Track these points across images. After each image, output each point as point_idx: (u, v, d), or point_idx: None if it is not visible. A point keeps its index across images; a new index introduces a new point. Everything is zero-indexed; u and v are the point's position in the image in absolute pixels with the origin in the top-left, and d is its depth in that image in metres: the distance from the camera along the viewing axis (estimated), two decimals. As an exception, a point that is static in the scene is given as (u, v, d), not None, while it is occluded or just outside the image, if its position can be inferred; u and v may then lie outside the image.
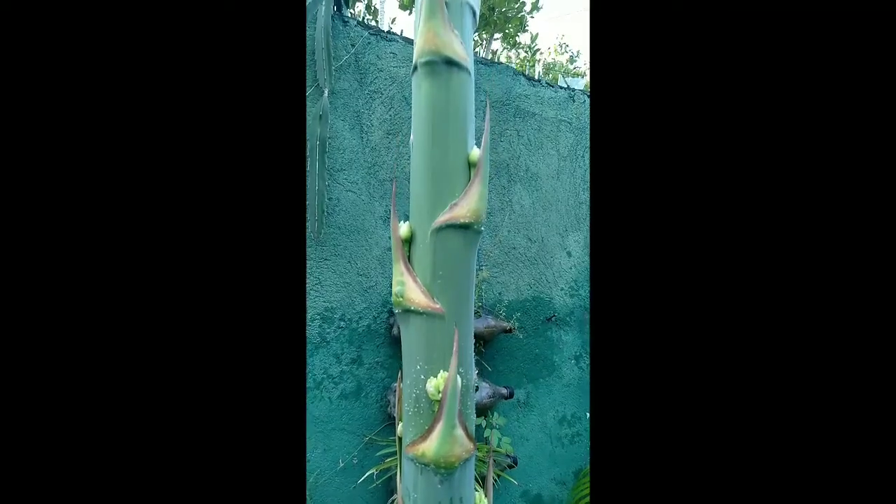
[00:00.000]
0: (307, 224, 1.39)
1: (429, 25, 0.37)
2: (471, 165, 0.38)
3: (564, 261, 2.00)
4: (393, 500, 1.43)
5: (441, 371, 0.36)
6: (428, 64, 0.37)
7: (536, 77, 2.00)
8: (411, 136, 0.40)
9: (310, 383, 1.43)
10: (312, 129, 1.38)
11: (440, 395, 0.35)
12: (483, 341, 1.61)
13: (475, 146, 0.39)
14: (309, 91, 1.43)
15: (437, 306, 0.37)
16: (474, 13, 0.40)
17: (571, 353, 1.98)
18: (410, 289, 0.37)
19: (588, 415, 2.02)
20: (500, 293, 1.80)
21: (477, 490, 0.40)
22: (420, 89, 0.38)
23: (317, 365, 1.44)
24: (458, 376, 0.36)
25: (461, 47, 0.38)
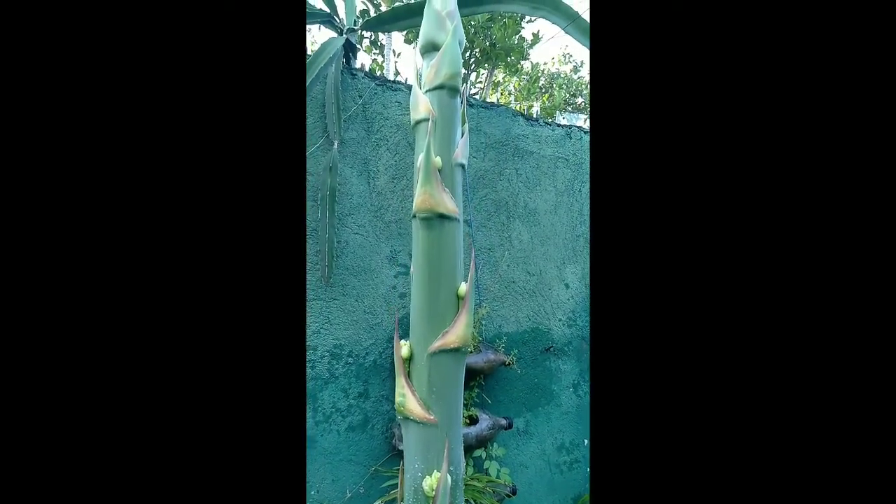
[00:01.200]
0: (319, 268, 1.49)
1: (425, 188, 0.46)
2: (459, 298, 0.47)
3: (562, 292, 2.08)
4: None
5: (434, 471, 0.45)
6: (424, 219, 0.47)
7: (535, 116, 2.10)
8: (411, 268, 0.49)
9: (319, 417, 1.52)
10: (323, 179, 1.48)
11: (434, 492, 0.44)
12: (483, 375, 1.69)
13: (463, 282, 0.49)
14: (319, 143, 1.53)
15: (432, 417, 0.46)
16: (464, 168, 0.50)
17: (569, 381, 2.06)
18: (410, 401, 0.46)
19: (586, 441, 2.09)
20: (499, 326, 1.88)
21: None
22: (418, 235, 0.48)
23: (326, 399, 1.53)
24: (448, 475, 0.45)
25: (451, 202, 0.47)
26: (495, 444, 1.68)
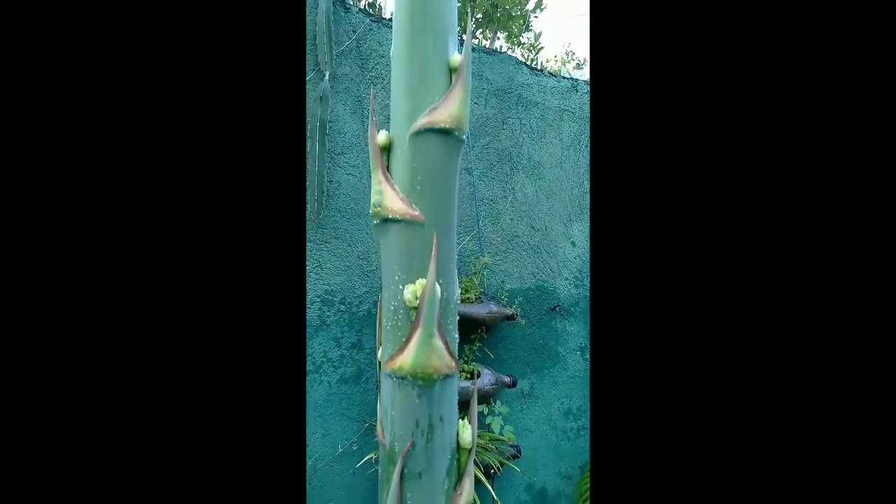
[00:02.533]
0: (308, 206, 1.39)
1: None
2: (452, 71, 0.37)
3: (569, 251, 1.97)
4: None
5: (419, 279, 0.35)
6: None
7: (539, 67, 1.99)
8: (392, 49, 0.39)
9: (309, 367, 1.42)
10: (313, 110, 1.38)
11: (418, 301, 0.34)
12: (485, 327, 1.59)
13: (457, 52, 0.38)
14: (310, 75, 1.44)
15: (416, 213, 0.35)
16: None
17: (576, 344, 1.95)
18: (388, 197, 0.36)
19: (594, 408, 1.98)
20: (502, 281, 1.78)
21: (461, 418, 0.38)
22: None
23: (316, 348, 1.43)
24: (437, 285, 0.34)
25: None
26: (498, 402, 1.58)
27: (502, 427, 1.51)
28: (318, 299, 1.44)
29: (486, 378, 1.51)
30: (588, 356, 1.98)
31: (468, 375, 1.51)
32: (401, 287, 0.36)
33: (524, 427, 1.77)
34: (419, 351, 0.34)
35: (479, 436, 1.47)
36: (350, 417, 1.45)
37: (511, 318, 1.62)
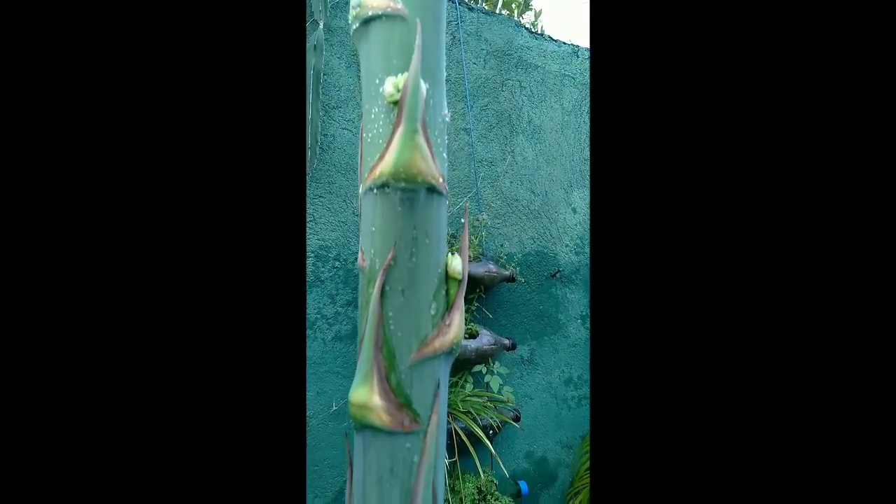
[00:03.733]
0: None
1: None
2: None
3: (569, 217, 1.93)
4: None
5: (402, 74, 0.31)
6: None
7: (539, 31, 1.96)
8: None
9: (303, 322, 1.38)
10: (307, 58, 1.35)
11: (399, 93, 0.30)
12: (483, 287, 1.55)
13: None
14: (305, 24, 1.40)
15: (398, 6, 0.32)
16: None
17: (577, 312, 1.91)
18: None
19: (595, 378, 1.94)
20: (501, 245, 1.74)
21: (451, 253, 0.34)
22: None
23: (311, 304, 1.39)
24: (421, 80, 0.31)
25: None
26: (497, 363, 1.54)
27: (501, 386, 1.48)
28: (312, 254, 1.41)
29: (485, 338, 1.47)
30: (589, 325, 1.95)
31: (466, 336, 1.47)
32: (381, 90, 0.32)
33: (524, 394, 1.73)
34: (401, 149, 0.30)
35: (476, 395, 1.44)
36: (345, 376, 1.42)
37: (510, 279, 1.58)
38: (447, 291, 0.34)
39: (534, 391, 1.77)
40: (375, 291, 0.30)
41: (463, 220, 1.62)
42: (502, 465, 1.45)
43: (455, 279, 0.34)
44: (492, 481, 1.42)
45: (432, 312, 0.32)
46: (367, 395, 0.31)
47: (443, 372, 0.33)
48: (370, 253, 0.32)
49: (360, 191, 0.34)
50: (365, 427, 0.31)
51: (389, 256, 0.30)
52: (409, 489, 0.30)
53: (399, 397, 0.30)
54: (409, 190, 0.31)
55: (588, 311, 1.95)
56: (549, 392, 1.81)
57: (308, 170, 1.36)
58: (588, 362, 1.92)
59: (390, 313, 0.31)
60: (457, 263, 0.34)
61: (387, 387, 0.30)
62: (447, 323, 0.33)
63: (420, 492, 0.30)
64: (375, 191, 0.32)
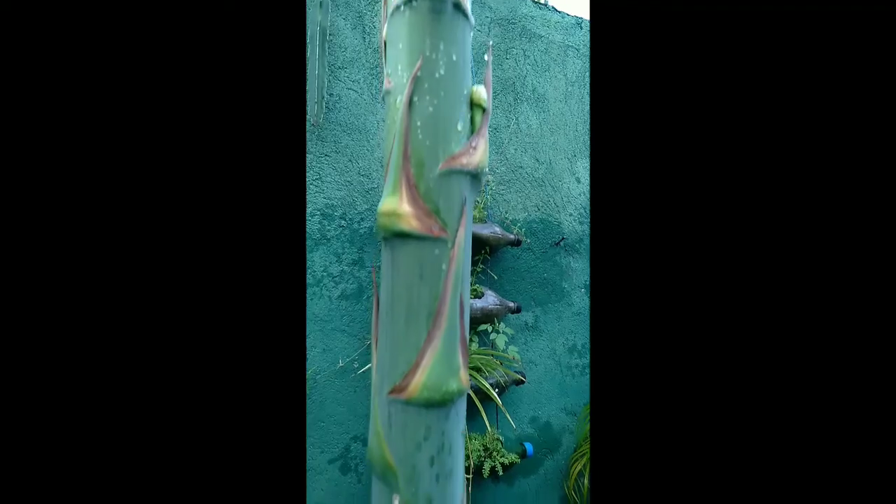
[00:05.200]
0: (307, 110, 1.35)
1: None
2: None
3: (574, 187, 1.93)
4: None
5: None
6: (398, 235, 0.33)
7: (543, 1, 1.96)
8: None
9: (309, 280, 1.39)
10: (312, 16, 1.35)
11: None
12: (489, 248, 1.55)
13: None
14: (310, -17, 1.40)
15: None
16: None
17: (581, 281, 1.91)
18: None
19: (599, 347, 1.94)
20: (505, 211, 1.74)
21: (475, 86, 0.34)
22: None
23: (317, 262, 1.40)
24: None
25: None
26: (503, 324, 1.54)
27: (507, 344, 1.48)
28: (318, 212, 1.41)
29: (491, 299, 1.48)
30: (593, 294, 1.95)
31: (472, 295, 1.47)
32: None
33: (528, 360, 1.74)
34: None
35: (484, 353, 1.44)
36: (351, 334, 1.42)
37: (516, 243, 1.59)
38: (472, 118, 0.34)
39: (538, 357, 1.77)
40: (404, 101, 0.31)
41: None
42: (510, 418, 1.45)
43: (480, 106, 0.34)
44: (497, 439, 1.43)
45: (459, 129, 0.32)
46: (396, 203, 0.31)
47: (468, 192, 0.33)
48: (397, 70, 0.32)
49: (387, 14, 0.34)
50: (394, 236, 0.31)
51: (417, 66, 0.31)
52: (437, 294, 0.31)
53: (428, 204, 0.31)
54: (436, 1, 0.31)
55: (592, 280, 1.95)
56: (554, 359, 1.81)
57: (314, 122, 1.36)
58: (592, 331, 1.93)
59: (418, 123, 0.31)
60: (482, 91, 0.34)
61: (415, 194, 0.31)
62: (473, 145, 0.33)
63: (448, 300, 0.31)
64: (402, 7, 0.32)
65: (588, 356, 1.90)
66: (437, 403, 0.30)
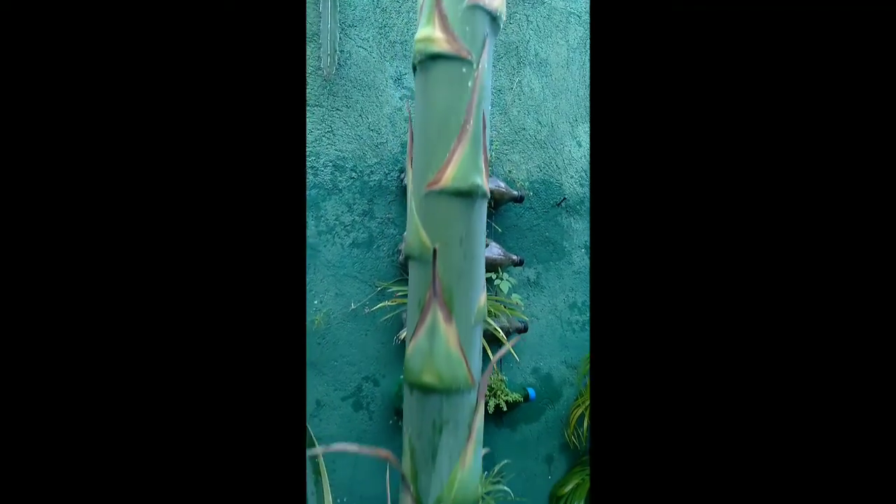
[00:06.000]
0: (321, 69, 1.41)
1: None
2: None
3: (575, 150, 1.99)
4: (399, 336, 1.44)
5: None
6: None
7: (545, -31, 2.00)
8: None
9: (322, 227, 1.45)
10: (324, -28, 1.40)
11: None
12: (493, 201, 1.62)
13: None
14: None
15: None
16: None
17: (581, 241, 1.98)
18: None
19: (599, 305, 2.01)
20: (509, 171, 1.80)
21: None
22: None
23: (329, 211, 1.46)
24: None
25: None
26: (507, 274, 1.61)
27: (511, 289, 1.55)
28: (330, 163, 1.47)
29: (495, 249, 1.54)
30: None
31: (477, 245, 1.54)
32: None
33: (530, 314, 1.81)
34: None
35: (490, 298, 1.51)
36: (363, 280, 1.49)
37: (519, 199, 1.65)
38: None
39: (540, 312, 1.84)
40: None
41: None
42: (515, 355, 1.53)
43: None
44: (502, 380, 1.50)
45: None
46: (430, 31, 0.37)
47: (489, 31, 0.39)
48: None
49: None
50: (428, 58, 0.37)
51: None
52: (464, 105, 0.37)
53: (456, 31, 0.37)
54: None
55: (592, 240, 2.02)
56: (555, 314, 1.88)
57: (325, 76, 1.42)
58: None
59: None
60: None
61: (446, 23, 0.37)
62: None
63: (473, 110, 0.37)
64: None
65: (587, 313, 1.97)
66: (465, 193, 0.37)
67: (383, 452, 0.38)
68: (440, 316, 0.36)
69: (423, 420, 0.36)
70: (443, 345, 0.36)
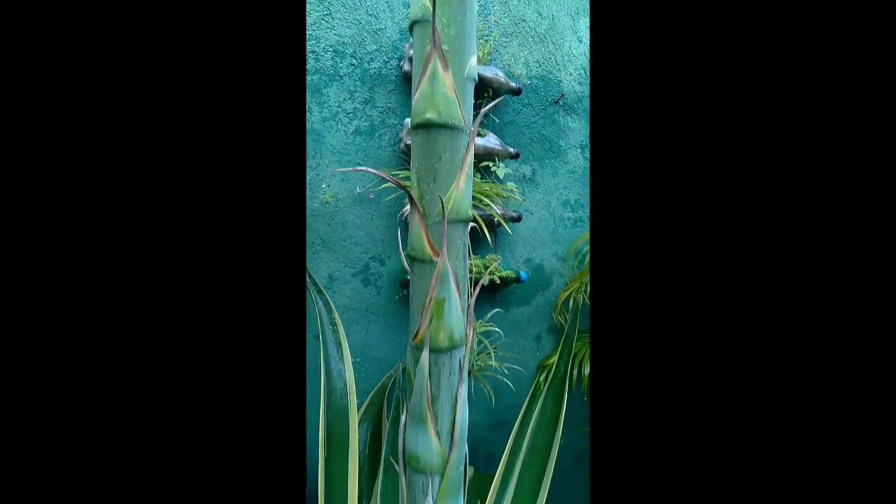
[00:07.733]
0: (315, -59, 1.37)
1: None
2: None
3: (575, 46, 1.97)
4: (403, 214, 1.56)
5: None
6: None
7: None
8: None
9: (326, 113, 1.51)
10: None
11: None
12: (492, 91, 1.65)
13: None
14: None
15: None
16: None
17: (577, 141, 2.03)
18: None
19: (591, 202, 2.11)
20: (508, 65, 1.81)
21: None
22: None
23: (331, 97, 1.50)
24: None
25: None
26: (503, 163, 1.69)
27: (506, 178, 1.64)
28: (330, 49, 1.49)
29: (492, 139, 1.61)
30: (587, 155, 2.08)
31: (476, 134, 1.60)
32: None
33: (524, 209, 1.92)
34: None
35: (487, 185, 1.61)
36: (366, 166, 1.57)
37: (517, 91, 1.68)
38: None
39: (534, 207, 1.95)
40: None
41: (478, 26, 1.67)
42: (510, 232, 1.66)
43: None
44: (496, 259, 1.64)
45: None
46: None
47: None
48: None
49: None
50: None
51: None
52: None
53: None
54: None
55: (587, 140, 2.07)
56: (548, 210, 1.99)
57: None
58: (585, 189, 2.09)
59: None
60: None
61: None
62: None
63: None
64: None
65: (580, 211, 2.08)
66: None
67: (388, 176, 0.49)
68: (439, 66, 0.45)
69: (426, 152, 0.47)
70: (441, 88, 0.45)
